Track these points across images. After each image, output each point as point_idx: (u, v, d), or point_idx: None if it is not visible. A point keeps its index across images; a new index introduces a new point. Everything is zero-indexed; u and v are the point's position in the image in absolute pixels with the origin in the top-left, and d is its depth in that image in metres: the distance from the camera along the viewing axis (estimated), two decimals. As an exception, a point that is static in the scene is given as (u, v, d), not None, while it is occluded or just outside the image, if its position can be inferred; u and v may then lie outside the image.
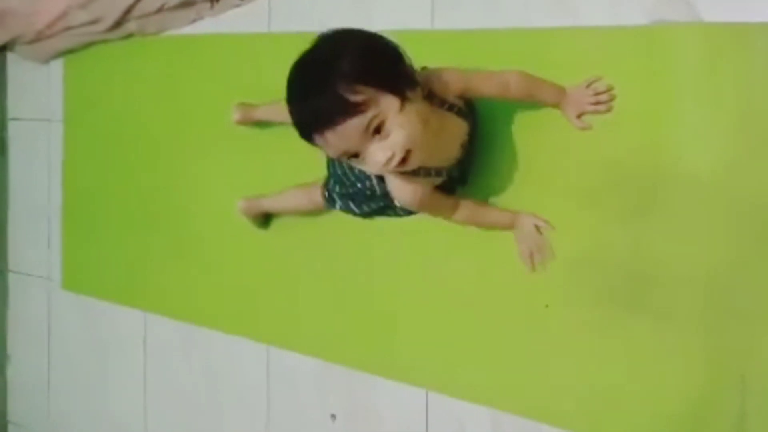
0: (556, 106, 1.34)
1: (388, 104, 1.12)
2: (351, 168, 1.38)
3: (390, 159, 1.13)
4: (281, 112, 1.65)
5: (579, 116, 1.32)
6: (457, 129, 1.32)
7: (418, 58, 1.51)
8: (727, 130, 1.22)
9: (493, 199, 1.43)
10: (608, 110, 1.30)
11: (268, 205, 1.73)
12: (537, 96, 1.34)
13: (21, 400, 2.50)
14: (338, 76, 1.11)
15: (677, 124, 1.25)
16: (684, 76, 1.25)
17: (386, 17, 1.60)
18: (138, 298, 2.12)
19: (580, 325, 1.35)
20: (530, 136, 1.39)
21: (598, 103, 1.30)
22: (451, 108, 1.28)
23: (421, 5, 1.55)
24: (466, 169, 1.39)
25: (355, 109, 1.10)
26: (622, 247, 1.31)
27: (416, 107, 1.16)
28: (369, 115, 1.11)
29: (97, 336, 2.24)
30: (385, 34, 1.58)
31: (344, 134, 1.11)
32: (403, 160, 1.15)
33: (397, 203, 1.37)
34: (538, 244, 1.37)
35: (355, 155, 1.15)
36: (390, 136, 1.12)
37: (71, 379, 2.34)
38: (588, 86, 1.31)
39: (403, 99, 1.14)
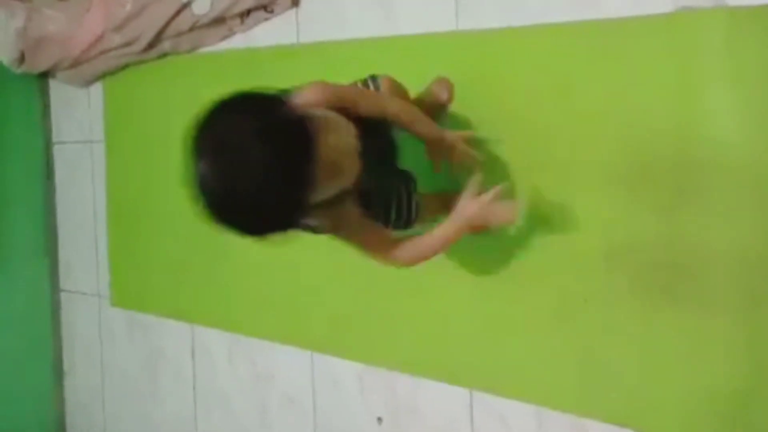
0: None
1: None
2: None
3: None
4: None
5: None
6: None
7: (443, 59, 1.54)
8: (757, 114, 1.20)
9: (528, 191, 1.43)
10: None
11: None
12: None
13: (78, 412, 2.57)
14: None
15: (706, 111, 1.24)
16: (711, 62, 1.24)
17: (411, 21, 1.62)
18: (185, 310, 2.16)
19: (619, 318, 1.34)
20: (562, 129, 1.39)
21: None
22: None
23: (446, 7, 1.56)
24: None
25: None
26: (657, 237, 1.30)
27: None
28: None
29: (147, 349, 2.30)
30: (410, 38, 1.61)
31: None
32: None
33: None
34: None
35: None
36: None
37: (124, 390, 2.40)
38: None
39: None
